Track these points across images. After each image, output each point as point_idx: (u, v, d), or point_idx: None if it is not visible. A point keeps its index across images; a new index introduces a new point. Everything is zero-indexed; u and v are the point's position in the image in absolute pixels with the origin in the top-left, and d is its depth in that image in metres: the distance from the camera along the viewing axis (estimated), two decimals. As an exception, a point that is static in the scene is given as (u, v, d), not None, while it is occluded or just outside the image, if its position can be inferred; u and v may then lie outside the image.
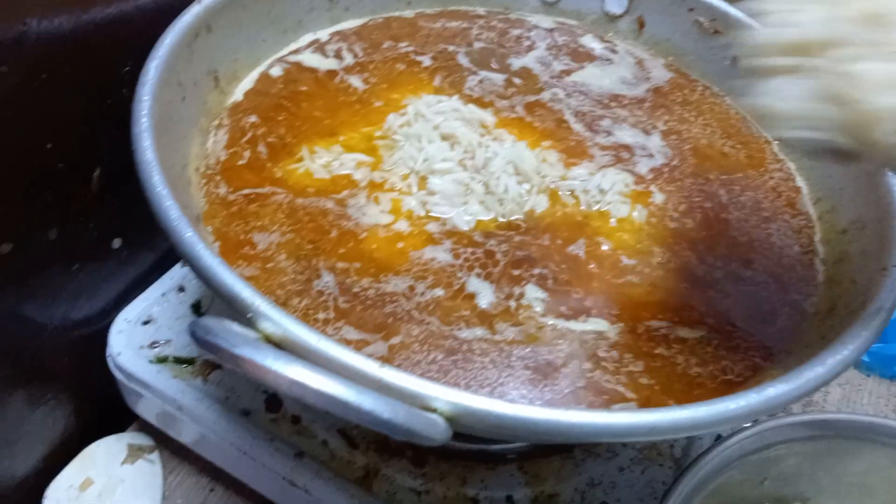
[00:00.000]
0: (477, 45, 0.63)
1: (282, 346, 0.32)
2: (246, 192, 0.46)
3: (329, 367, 0.31)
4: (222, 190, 0.46)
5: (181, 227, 0.34)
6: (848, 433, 0.48)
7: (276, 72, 0.55)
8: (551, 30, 0.66)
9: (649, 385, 0.40)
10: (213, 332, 0.27)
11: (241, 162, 0.48)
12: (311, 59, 0.57)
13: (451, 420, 0.31)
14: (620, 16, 0.67)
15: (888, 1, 0.31)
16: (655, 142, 0.55)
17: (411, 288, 0.43)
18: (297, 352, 0.32)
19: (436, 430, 0.28)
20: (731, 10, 0.62)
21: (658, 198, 0.51)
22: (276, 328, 0.32)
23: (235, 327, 0.30)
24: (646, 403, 0.39)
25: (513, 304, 0.43)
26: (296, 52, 0.58)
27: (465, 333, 0.41)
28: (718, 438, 0.48)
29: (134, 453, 0.56)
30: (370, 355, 0.38)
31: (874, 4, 0.31)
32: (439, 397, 0.30)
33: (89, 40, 0.45)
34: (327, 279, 0.42)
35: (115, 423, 0.58)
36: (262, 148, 0.49)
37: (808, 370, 0.36)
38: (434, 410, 0.30)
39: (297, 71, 0.56)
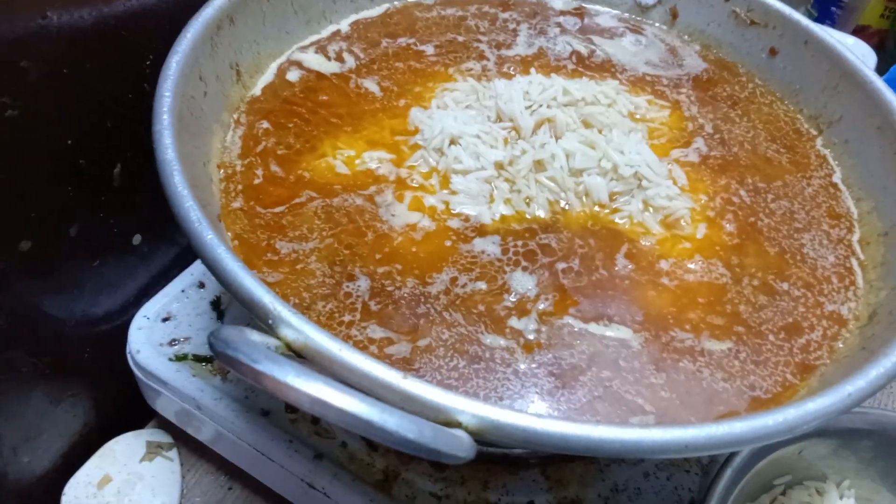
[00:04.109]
0: (490, 29, 0.61)
1: (302, 354, 0.31)
2: (272, 208, 0.45)
3: (351, 378, 0.30)
4: (239, 203, 0.45)
5: (202, 230, 0.33)
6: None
7: (293, 76, 0.54)
8: (573, 13, 0.65)
9: (669, 398, 0.38)
10: (233, 345, 0.26)
11: (258, 172, 0.46)
12: (312, 60, 0.56)
13: (476, 434, 0.30)
14: (653, 5, 0.65)
15: None
16: (699, 142, 0.54)
17: (425, 283, 0.41)
18: (318, 360, 0.31)
19: (461, 448, 0.27)
20: (769, 1, 0.60)
21: (693, 203, 0.49)
22: (298, 335, 0.31)
23: (255, 336, 0.29)
24: (664, 417, 0.38)
25: (539, 304, 0.41)
26: (303, 49, 0.56)
27: (487, 337, 0.40)
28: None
29: (153, 450, 0.55)
30: (392, 357, 0.38)
31: None
32: (465, 410, 0.29)
33: (111, 34, 0.44)
34: (360, 281, 0.41)
35: (135, 420, 0.58)
36: (281, 151, 0.48)
37: (849, 384, 0.34)
38: (459, 424, 0.29)
39: (315, 77, 0.54)
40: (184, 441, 0.57)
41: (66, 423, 0.53)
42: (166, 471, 0.55)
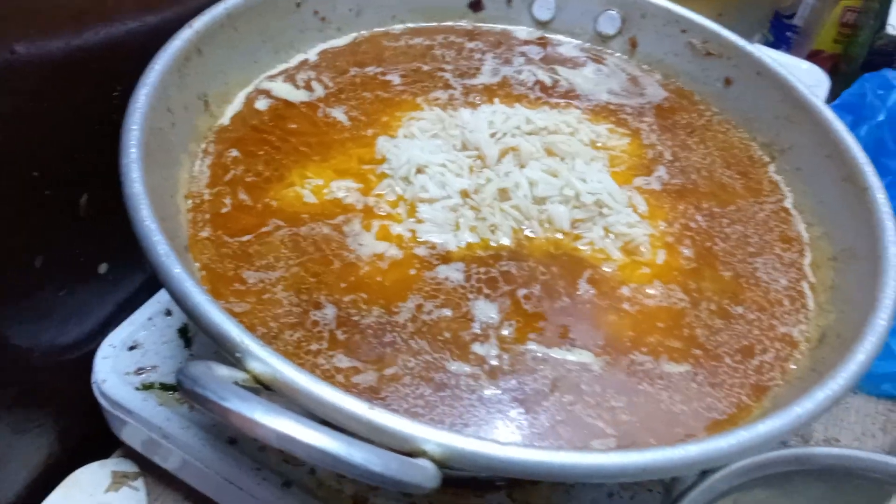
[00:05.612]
0: (456, 58, 0.63)
1: (271, 386, 0.32)
2: (240, 237, 0.45)
3: (318, 409, 0.31)
4: (207, 232, 0.45)
5: (169, 264, 0.34)
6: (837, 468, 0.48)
7: (261, 105, 0.55)
8: (536, 42, 0.67)
9: (630, 421, 0.40)
10: (201, 382, 0.26)
11: (226, 201, 0.47)
12: (281, 89, 0.56)
13: (441, 462, 0.30)
14: (613, 36, 0.67)
15: None
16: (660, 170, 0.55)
17: (391, 312, 0.42)
18: (286, 393, 0.31)
19: (426, 478, 0.28)
20: (724, 32, 0.62)
21: (652, 230, 0.50)
22: (265, 368, 0.31)
23: (223, 371, 0.30)
24: (624, 439, 0.39)
25: (502, 330, 0.42)
26: (271, 77, 0.57)
27: (452, 364, 0.40)
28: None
29: (118, 480, 0.55)
30: (358, 386, 0.39)
31: None
32: (430, 439, 0.30)
33: (79, 65, 0.44)
34: (327, 309, 0.42)
35: (101, 449, 0.57)
36: (250, 179, 0.49)
37: (798, 406, 0.36)
38: (424, 453, 0.30)
39: (284, 106, 0.55)
40: (150, 470, 0.56)
41: (30, 454, 0.53)
42: (132, 501, 0.54)
